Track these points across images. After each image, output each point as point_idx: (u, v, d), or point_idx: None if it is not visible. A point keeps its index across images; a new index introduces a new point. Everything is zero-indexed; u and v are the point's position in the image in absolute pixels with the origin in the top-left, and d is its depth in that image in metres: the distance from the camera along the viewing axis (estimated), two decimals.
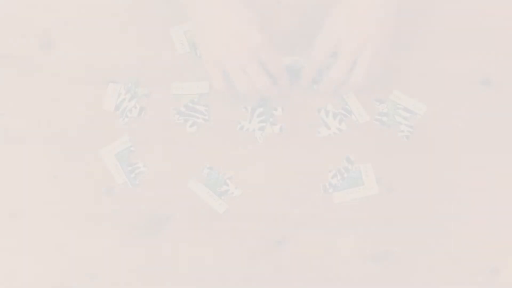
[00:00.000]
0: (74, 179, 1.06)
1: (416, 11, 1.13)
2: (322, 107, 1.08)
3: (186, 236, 1.04)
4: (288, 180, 1.06)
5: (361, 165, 1.06)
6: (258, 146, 1.07)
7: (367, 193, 1.05)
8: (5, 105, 1.09)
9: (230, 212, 1.05)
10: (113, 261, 1.03)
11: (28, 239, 1.04)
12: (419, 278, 1.02)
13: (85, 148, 1.07)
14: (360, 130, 1.08)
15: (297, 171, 1.06)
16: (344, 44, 1.01)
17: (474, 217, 1.04)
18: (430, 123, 1.08)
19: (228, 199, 1.05)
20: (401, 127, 1.08)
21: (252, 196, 1.05)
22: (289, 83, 1.05)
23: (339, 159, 1.06)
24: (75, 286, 1.03)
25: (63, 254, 1.03)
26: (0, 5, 1.13)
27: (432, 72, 1.10)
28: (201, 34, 1.00)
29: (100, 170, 1.06)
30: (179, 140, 1.07)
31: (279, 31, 1.08)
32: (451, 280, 1.02)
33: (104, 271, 1.03)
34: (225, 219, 1.04)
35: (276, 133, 1.07)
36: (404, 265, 1.03)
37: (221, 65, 1.00)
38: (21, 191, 1.06)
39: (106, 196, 1.05)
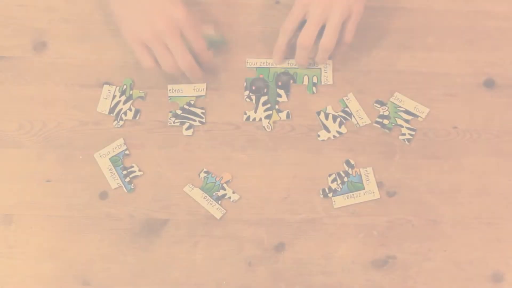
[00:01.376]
0: (68, 183, 1.05)
1: (417, 12, 1.12)
2: (322, 110, 1.07)
3: (183, 241, 1.03)
4: (287, 184, 1.05)
5: (361, 169, 1.05)
6: (256, 149, 1.06)
7: (368, 197, 1.04)
8: None
9: (227, 217, 1.04)
10: (108, 266, 1.02)
11: (21, 244, 1.03)
12: (421, 284, 1.01)
13: (79, 152, 1.06)
14: (361, 133, 1.07)
15: (296, 175, 1.05)
16: (311, 9, 1.03)
17: (476, 222, 1.04)
18: (432, 126, 1.07)
19: (225, 204, 1.04)
20: (402, 130, 1.07)
21: (250, 200, 1.04)
22: (211, 59, 1.05)
23: (339, 163, 1.05)
24: None
25: (56, 259, 1.02)
26: None
27: (434, 74, 1.09)
28: (123, 11, 0.99)
29: (95, 174, 1.05)
30: (175, 143, 1.06)
31: (278, 30, 1.07)
32: (453, 286, 1.01)
33: (99, 276, 1.01)
34: (222, 224, 1.03)
35: (283, 120, 1.07)
36: (405, 270, 1.02)
37: (145, 43, 0.98)
38: (14, 195, 1.04)
39: (100, 200, 1.04)
